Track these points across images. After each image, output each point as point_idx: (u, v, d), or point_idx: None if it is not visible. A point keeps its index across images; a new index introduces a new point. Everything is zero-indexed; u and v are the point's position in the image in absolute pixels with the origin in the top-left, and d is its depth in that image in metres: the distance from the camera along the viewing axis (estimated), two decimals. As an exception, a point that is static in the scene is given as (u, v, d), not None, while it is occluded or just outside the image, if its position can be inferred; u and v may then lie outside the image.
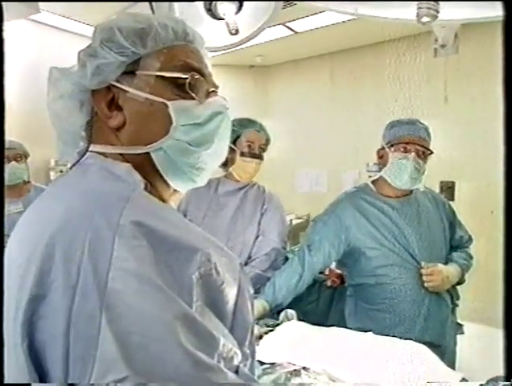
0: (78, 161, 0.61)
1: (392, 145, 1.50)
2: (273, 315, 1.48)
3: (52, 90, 0.63)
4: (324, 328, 1.32)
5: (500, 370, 0.59)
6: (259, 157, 1.72)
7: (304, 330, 1.32)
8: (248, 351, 0.56)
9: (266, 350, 1.15)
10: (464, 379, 1.02)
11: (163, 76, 0.60)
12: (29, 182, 2.31)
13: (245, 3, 1.37)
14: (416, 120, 1.53)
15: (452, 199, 2.95)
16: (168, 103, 0.59)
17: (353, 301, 1.62)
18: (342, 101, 3.65)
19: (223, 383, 0.45)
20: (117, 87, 0.60)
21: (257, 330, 1.27)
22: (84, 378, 0.42)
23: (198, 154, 0.62)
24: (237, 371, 0.50)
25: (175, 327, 0.43)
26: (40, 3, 1.64)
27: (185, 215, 1.72)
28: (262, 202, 1.76)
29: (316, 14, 2.75)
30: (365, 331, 1.26)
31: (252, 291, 0.59)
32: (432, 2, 1.06)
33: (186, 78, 0.61)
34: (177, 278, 0.47)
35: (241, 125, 1.71)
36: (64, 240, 0.47)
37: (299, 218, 3.89)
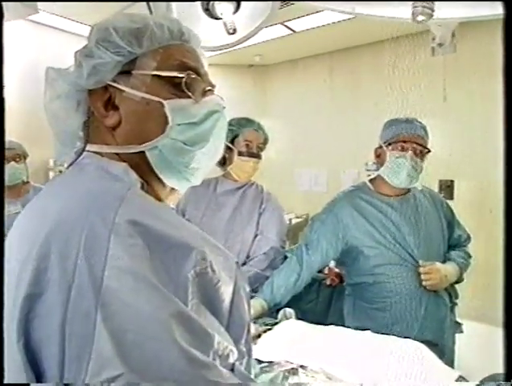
0: (75, 160, 0.61)
1: (389, 144, 1.50)
2: (271, 314, 1.48)
3: (49, 90, 0.63)
4: (323, 327, 1.32)
5: (499, 368, 0.59)
6: (257, 156, 1.72)
7: (303, 328, 1.32)
8: (244, 349, 0.56)
9: (264, 348, 1.15)
10: (461, 377, 1.02)
11: (159, 76, 0.60)
12: (28, 182, 2.31)
13: (242, 3, 1.38)
14: (414, 118, 1.53)
15: (451, 198, 2.94)
16: (164, 102, 0.59)
17: (351, 300, 1.62)
18: (341, 100, 3.64)
19: (218, 380, 0.45)
20: (114, 86, 0.60)
21: (255, 329, 1.27)
22: (80, 376, 0.42)
23: (193, 154, 0.62)
24: (232, 369, 0.50)
25: (170, 325, 0.43)
26: (39, 3, 1.64)
27: (184, 215, 1.73)
28: (261, 201, 1.76)
29: (314, 13, 2.75)
30: (363, 330, 1.26)
31: (248, 289, 0.60)
32: (427, 1, 1.07)
33: (182, 77, 0.61)
34: (173, 277, 0.47)
35: (240, 125, 1.71)
36: (60, 238, 0.47)
37: (298, 217, 3.89)
